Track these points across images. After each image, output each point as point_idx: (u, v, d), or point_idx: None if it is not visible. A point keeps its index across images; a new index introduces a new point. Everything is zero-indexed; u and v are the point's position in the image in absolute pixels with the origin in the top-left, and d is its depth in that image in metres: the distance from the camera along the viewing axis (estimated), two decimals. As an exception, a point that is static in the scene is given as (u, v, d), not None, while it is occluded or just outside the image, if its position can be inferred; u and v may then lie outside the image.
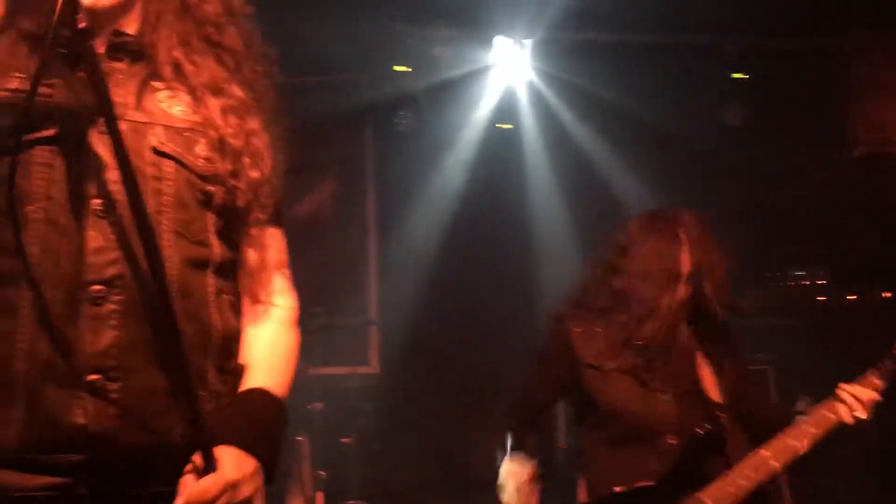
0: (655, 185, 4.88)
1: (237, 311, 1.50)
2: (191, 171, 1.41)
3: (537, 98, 5.43)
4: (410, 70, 5.19)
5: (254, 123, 1.50)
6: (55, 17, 1.22)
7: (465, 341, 5.38)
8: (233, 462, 1.32)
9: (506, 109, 5.49)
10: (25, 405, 1.26)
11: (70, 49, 1.33)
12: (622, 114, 5.18)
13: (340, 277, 5.41)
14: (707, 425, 2.44)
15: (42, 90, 1.32)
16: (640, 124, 5.15)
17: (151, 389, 1.32)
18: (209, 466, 1.29)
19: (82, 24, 1.25)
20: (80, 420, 1.26)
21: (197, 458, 1.30)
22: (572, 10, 4.67)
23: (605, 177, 5.36)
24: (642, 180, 5.08)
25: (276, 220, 1.57)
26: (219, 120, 1.45)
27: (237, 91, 1.50)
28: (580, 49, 4.99)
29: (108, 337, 1.29)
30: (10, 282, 1.28)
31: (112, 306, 1.30)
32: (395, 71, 5.13)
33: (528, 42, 4.93)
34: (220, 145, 1.44)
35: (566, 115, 5.40)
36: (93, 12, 1.32)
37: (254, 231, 1.50)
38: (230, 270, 1.50)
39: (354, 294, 5.53)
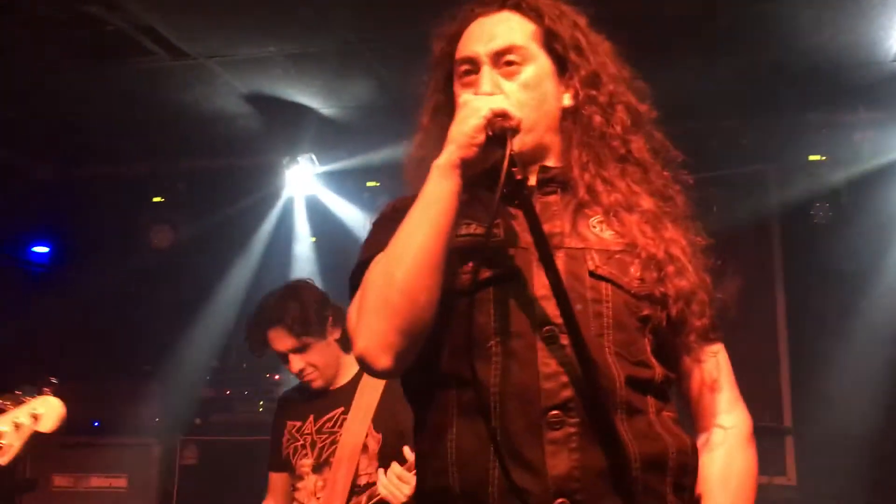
0: None
1: (681, 426, 1.47)
2: (627, 292, 1.43)
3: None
4: (826, 159, 4.86)
5: (669, 232, 1.50)
6: (502, 175, 1.33)
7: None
8: None
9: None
10: None
11: (510, 192, 1.42)
12: None
13: (751, 381, 5.09)
14: None
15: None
16: None
17: None
18: None
19: (519, 177, 1.35)
20: None
21: None
22: None
23: None
24: None
25: (714, 331, 1.52)
26: (638, 236, 1.47)
27: (647, 202, 1.52)
28: None
29: (569, 460, 1.32)
30: (478, 412, 1.37)
31: (570, 429, 1.33)
32: (810, 161, 4.83)
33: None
34: (647, 262, 1.45)
35: None
36: (520, 156, 1.41)
37: (692, 346, 1.48)
38: (669, 388, 1.49)
39: (767, 399, 5.17)
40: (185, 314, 5.65)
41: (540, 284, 1.40)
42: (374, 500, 2.59)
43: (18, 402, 2.36)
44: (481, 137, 1.35)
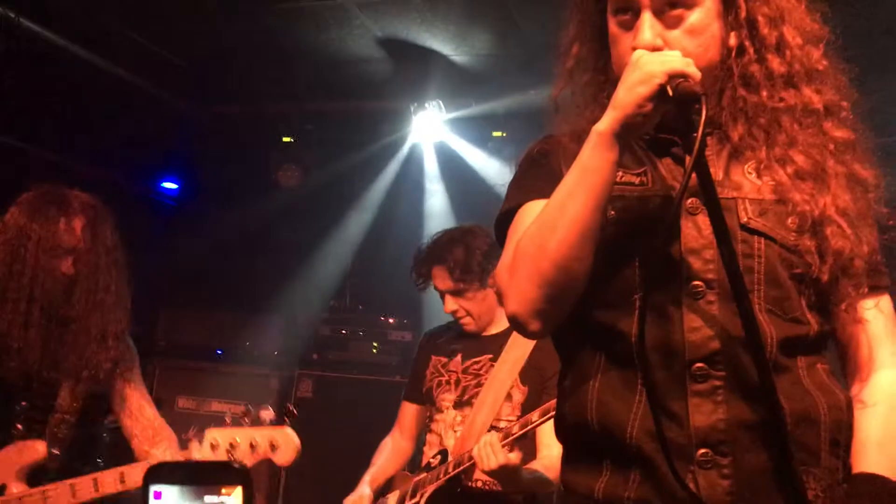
0: None
1: (837, 380, 1.43)
2: (781, 246, 1.38)
3: None
4: None
5: (832, 189, 1.41)
6: (695, 148, 1.23)
7: None
8: None
9: None
10: (641, 471, 1.34)
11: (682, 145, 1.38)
12: None
13: None
14: None
15: (634, 179, 1.42)
16: None
17: (760, 469, 1.30)
18: None
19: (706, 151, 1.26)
20: (693, 491, 1.29)
21: None
22: None
23: None
24: None
25: (878, 282, 1.45)
26: (793, 192, 1.40)
27: (804, 157, 1.42)
28: None
29: (714, 412, 1.31)
30: (624, 362, 1.37)
31: (716, 382, 1.32)
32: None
33: None
34: (803, 218, 1.39)
35: None
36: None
37: (850, 301, 1.41)
38: (825, 342, 1.44)
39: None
40: (307, 253, 5.77)
41: (690, 237, 1.37)
42: (508, 438, 2.59)
43: (256, 422, 2.38)
44: (650, 105, 1.28)
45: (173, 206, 6.30)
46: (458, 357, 2.98)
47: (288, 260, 5.70)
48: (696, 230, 1.37)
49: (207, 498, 0.77)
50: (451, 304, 2.96)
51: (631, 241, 1.38)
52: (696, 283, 1.35)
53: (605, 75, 1.47)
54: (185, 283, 5.72)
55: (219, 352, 5.54)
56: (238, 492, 0.77)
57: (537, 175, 1.47)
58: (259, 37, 4.82)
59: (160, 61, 5.12)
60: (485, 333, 2.99)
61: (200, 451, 2.40)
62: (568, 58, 1.55)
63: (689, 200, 1.38)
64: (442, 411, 2.94)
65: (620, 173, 1.42)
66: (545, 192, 1.39)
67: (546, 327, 1.41)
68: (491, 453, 2.48)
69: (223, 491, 0.77)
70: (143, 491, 0.79)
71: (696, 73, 1.29)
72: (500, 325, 2.95)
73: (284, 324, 5.58)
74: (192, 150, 5.96)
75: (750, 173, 1.43)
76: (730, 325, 1.32)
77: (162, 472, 0.80)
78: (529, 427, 2.56)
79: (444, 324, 3.18)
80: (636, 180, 1.43)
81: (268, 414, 2.39)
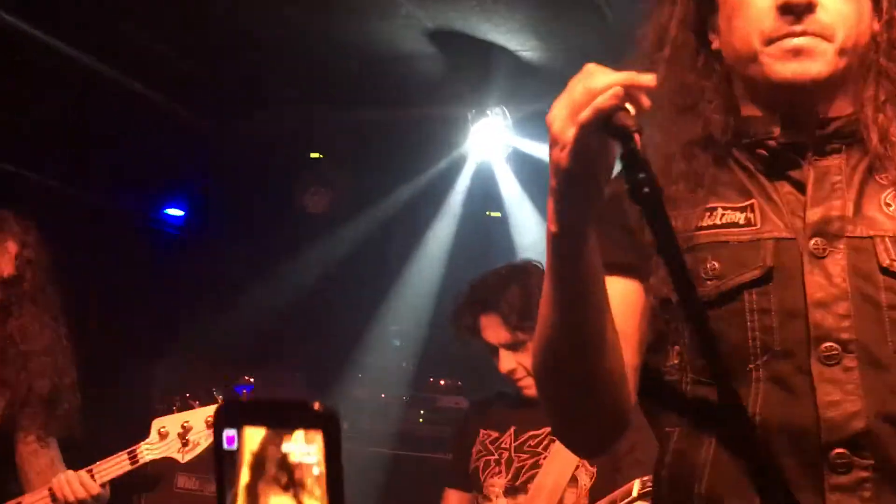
0: None
1: None
2: None
3: None
4: None
5: None
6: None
7: None
8: None
9: None
10: None
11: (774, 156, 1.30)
12: None
13: None
14: None
15: (738, 217, 1.29)
16: None
17: None
18: None
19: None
20: None
21: None
22: None
23: None
24: None
25: None
26: None
27: None
28: None
29: None
30: (737, 447, 1.22)
31: (862, 473, 1.16)
32: None
33: None
34: None
35: None
36: (795, 88, 1.26)
37: None
38: None
39: None
40: (338, 293, 5.32)
41: (815, 287, 1.21)
42: None
43: (212, 402, 2.65)
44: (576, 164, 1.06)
45: (177, 234, 5.94)
46: (512, 430, 2.76)
47: (313, 301, 5.26)
48: (824, 278, 1.22)
49: (286, 445, 0.72)
50: (509, 361, 2.68)
51: (738, 297, 1.23)
52: (829, 344, 1.20)
53: (709, 79, 1.36)
54: (188, 331, 5.25)
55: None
56: (318, 438, 0.70)
57: (603, 239, 1.26)
58: (284, 30, 4.42)
59: (161, 59, 4.64)
60: None
61: (149, 442, 2.60)
62: (664, 43, 1.39)
63: (813, 241, 1.24)
64: (490, 500, 2.73)
65: (721, 211, 1.31)
66: (615, 263, 1.28)
67: (597, 450, 1.44)
68: None
69: (304, 437, 0.72)
70: (216, 435, 0.76)
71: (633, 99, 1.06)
72: None
73: (307, 381, 5.12)
74: (200, 169, 5.51)
75: (889, 204, 1.28)
76: (878, 398, 1.17)
77: (235, 414, 0.77)
78: None
79: (495, 391, 2.94)
80: (741, 219, 1.29)
81: (218, 398, 2.72)
